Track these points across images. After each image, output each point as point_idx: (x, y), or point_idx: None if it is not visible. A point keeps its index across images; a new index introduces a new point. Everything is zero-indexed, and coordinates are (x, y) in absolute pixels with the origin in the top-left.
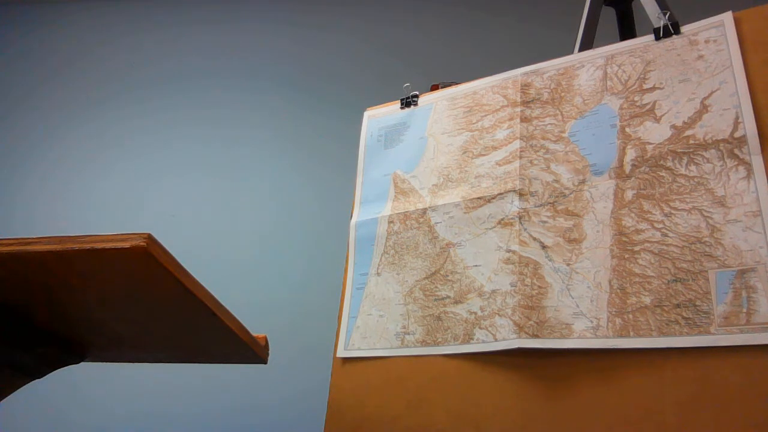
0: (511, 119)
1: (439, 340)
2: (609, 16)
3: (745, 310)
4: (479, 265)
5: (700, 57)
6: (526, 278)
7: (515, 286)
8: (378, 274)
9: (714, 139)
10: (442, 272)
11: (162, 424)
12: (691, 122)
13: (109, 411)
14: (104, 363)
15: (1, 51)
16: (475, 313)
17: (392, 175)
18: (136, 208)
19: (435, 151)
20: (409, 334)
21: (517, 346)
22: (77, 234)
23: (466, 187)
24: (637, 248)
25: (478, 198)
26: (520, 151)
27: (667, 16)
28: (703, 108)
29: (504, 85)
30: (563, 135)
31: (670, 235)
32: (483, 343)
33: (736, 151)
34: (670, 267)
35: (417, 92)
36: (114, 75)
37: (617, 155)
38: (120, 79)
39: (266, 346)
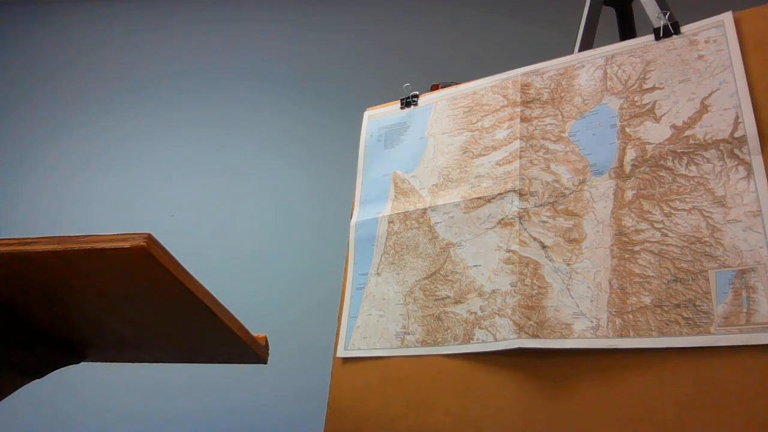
0: (511, 119)
1: (439, 340)
2: (609, 16)
3: (745, 310)
4: (479, 265)
5: (700, 57)
6: (526, 278)
7: (515, 286)
8: (378, 274)
9: (714, 139)
10: (442, 272)
11: (162, 424)
12: (691, 122)
13: (109, 411)
14: (104, 363)
15: (1, 51)
16: (475, 313)
17: (392, 175)
18: (136, 208)
19: (435, 151)
20: (409, 334)
21: (517, 346)
22: (77, 234)
23: (466, 187)
24: (637, 248)
25: (478, 198)
26: (520, 151)
27: (667, 16)
28: (703, 108)
29: (504, 85)
30: (563, 135)
31: (670, 235)
32: (483, 343)
33: (736, 151)
34: (670, 267)
35: (417, 92)
36: (114, 75)
37: (617, 155)
38: (120, 79)
39: (266, 346)
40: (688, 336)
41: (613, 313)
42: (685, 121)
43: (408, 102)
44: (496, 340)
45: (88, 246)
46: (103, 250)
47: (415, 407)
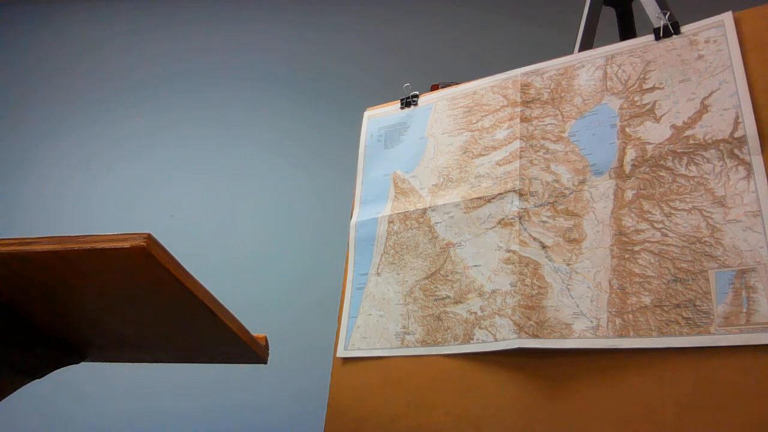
0: (511, 119)
1: (439, 340)
2: (609, 16)
3: (745, 310)
4: (479, 265)
5: (700, 57)
6: (526, 278)
7: (515, 286)
8: (378, 274)
9: (714, 139)
10: (442, 272)
11: (162, 424)
12: (691, 122)
13: (109, 411)
14: (104, 363)
15: (1, 51)
16: (475, 313)
17: (392, 175)
18: (136, 208)
19: (435, 151)
20: (409, 334)
21: (517, 346)
22: (77, 234)
23: (466, 187)
24: (637, 248)
25: (478, 198)
26: (520, 151)
27: (667, 16)
28: (703, 108)
29: (504, 85)
30: (563, 135)
31: (670, 235)
32: (483, 343)
33: (736, 151)
34: (670, 267)
35: (417, 92)
36: (114, 75)
37: (617, 155)
38: (120, 79)
39: (266, 346)
40: (688, 336)
41: (613, 313)
42: (685, 121)
43: (408, 102)
44: (496, 340)
45: (88, 246)
46: (103, 250)
47: (415, 407)
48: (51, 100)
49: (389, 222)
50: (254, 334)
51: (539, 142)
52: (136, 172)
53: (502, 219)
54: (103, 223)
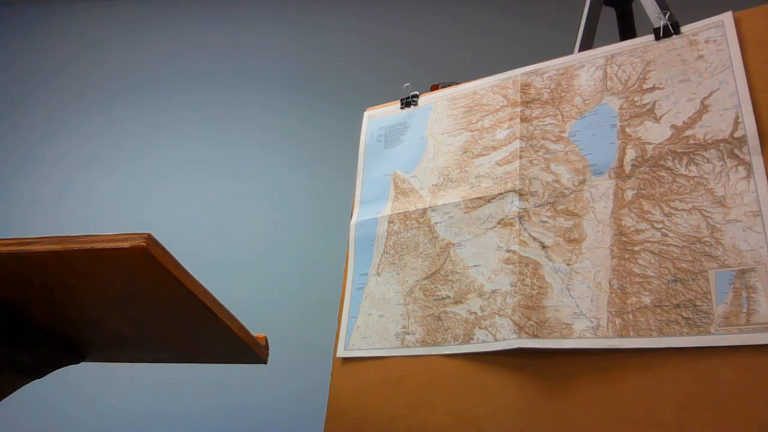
0: (511, 119)
1: (439, 340)
2: (609, 16)
3: (745, 310)
4: (479, 265)
5: (700, 57)
6: (526, 278)
7: (515, 286)
8: (378, 274)
9: (714, 139)
10: (442, 272)
11: (162, 424)
12: (691, 122)
13: (109, 411)
14: (104, 363)
15: (1, 51)
16: (475, 313)
17: (392, 175)
18: (137, 208)
19: (435, 151)
20: (409, 334)
21: (517, 346)
22: (77, 234)
23: (466, 187)
24: (637, 248)
25: (478, 198)
26: (520, 151)
27: (667, 16)
28: (703, 108)
29: (504, 85)
30: (563, 135)
31: (670, 235)
32: (483, 343)
33: (736, 151)
34: (670, 267)
35: (417, 92)
36: (114, 75)
37: (617, 155)
38: (120, 79)
39: (266, 346)
40: (688, 336)
41: (613, 313)
42: (685, 121)
43: (408, 102)
44: (496, 340)
45: (88, 246)
46: (103, 250)
47: (415, 407)
48: (51, 100)
49: (389, 222)
50: (254, 334)
51: (539, 142)
52: (137, 172)
53: (502, 219)
54: (103, 223)
